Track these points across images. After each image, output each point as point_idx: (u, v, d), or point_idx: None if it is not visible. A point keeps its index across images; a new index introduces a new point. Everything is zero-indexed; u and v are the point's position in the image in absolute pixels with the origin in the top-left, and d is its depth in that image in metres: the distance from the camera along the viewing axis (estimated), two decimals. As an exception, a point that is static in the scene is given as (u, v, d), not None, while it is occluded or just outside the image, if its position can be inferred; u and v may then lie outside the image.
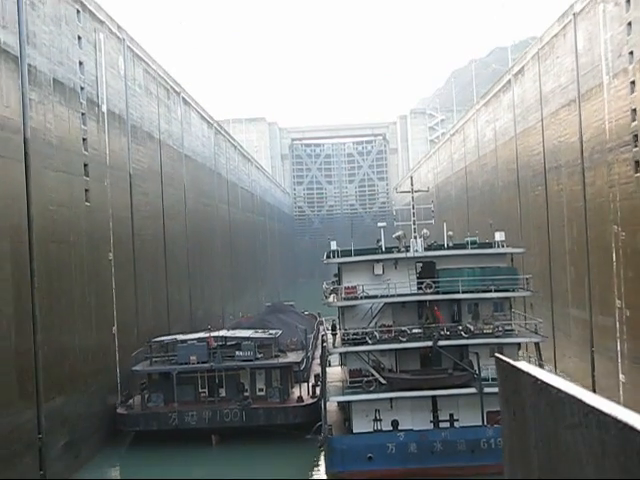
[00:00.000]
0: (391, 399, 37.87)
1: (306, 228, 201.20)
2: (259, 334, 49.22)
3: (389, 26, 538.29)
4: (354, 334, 39.03)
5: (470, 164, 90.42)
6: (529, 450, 4.80)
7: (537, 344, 39.04)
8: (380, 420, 38.03)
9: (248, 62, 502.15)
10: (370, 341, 38.24)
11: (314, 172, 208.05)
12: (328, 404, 39.52)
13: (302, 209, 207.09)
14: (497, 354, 6.34)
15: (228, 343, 48.38)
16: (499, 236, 40.99)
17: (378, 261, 40.17)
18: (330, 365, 44.11)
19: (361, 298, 39.56)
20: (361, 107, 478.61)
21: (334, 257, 40.96)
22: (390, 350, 38.88)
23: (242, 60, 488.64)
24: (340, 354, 41.86)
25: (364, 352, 38.66)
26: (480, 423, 36.98)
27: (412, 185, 43.64)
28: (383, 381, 38.13)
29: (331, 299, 40.77)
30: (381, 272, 39.75)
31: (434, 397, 37.93)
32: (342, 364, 43.09)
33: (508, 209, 67.43)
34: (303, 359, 48.47)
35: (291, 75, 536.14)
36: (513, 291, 39.70)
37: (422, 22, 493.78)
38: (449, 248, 41.64)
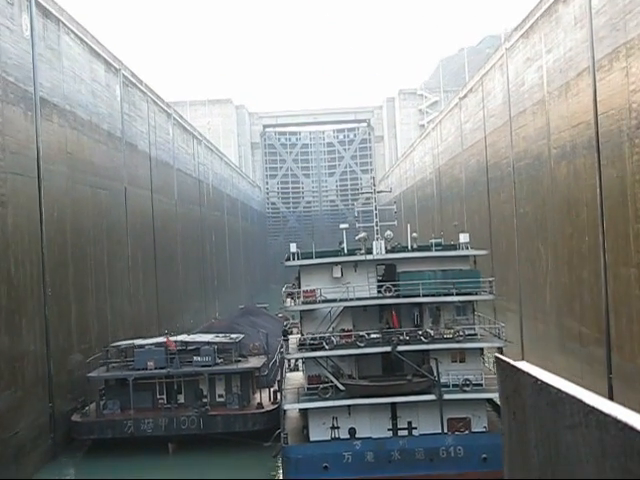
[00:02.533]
0: (349, 406, 36.75)
1: (280, 227, 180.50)
2: (219, 338, 48.05)
3: (374, 8, 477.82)
4: (311, 339, 37.90)
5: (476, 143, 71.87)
6: (529, 450, 4.82)
7: (500, 349, 38.02)
8: (338, 428, 36.89)
9: (212, 39, 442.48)
10: (327, 346, 37.09)
11: (289, 164, 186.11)
12: (289, 411, 38.45)
13: (276, 205, 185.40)
14: (497, 354, 6.17)
15: (189, 348, 47.25)
16: (463, 238, 39.95)
17: (337, 264, 39.02)
18: (298, 369, 43.14)
19: (319, 302, 38.43)
20: (343, 93, 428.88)
21: (294, 259, 39.83)
22: (350, 355, 37.80)
23: (205, 37, 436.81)
24: (301, 359, 40.76)
25: (322, 357, 37.52)
26: (440, 431, 35.98)
27: (374, 186, 42.56)
28: (342, 387, 37.05)
29: (288, 303, 39.65)
30: (340, 275, 38.61)
31: (393, 404, 36.83)
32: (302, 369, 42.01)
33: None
34: (264, 364, 47.24)
35: (263, 54, 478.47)
36: (476, 294, 38.66)
37: (410, 7, 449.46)
38: (412, 250, 40.56)
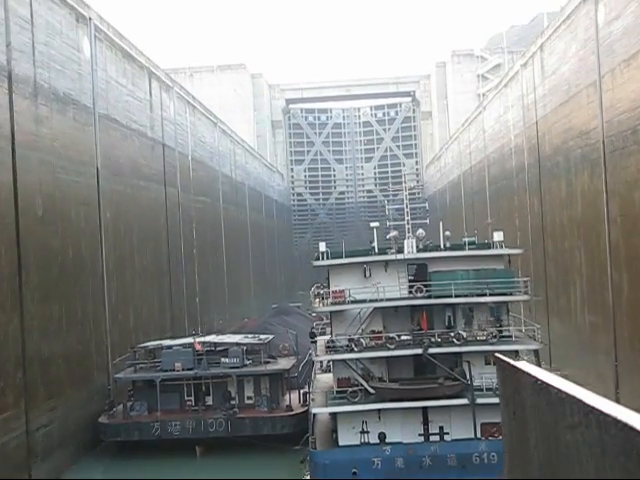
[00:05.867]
0: (379, 410, 35.69)
1: (308, 223, 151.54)
2: (248, 339, 47.21)
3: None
4: (341, 340, 36.96)
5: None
6: (529, 450, 4.81)
7: (536, 351, 36.72)
8: (367, 432, 35.88)
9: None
10: (357, 348, 36.07)
11: (318, 147, 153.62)
12: (318, 414, 37.58)
13: (302, 197, 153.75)
14: (497, 354, 6.15)
15: (217, 349, 46.52)
16: (497, 236, 38.64)
17: (367, 263, 37.98)
18: (330, 371, 42.24)
19: (349, 303, 37.42)
20: (381, 60, 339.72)
21: (323, 259, 38.86)
22: (380, 358, 36.78)
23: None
24: (331, 361, 39.81)
25: (351, 360, 36.55)
26: (472, 436, 34.76)
27: (405, 182, 41.39)
28: (371, 390, 36.03)
29: (317, 304, 38.70)
30: (369, 275, 37.57)
31: (425, 408, 35.68)
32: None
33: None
34: (294, 365, 46.30)
35: (283, 14, 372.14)
36: (510, 295, 37.31)
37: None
38: (444, 249, 39.32)
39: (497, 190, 76.32)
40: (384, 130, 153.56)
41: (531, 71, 59.51)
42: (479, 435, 34.66)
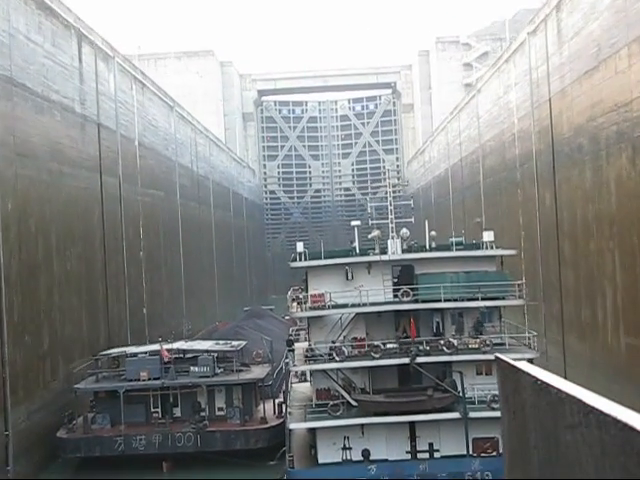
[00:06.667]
0: (362, 425, 32.95)
1: (281, 222, 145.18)
2: (220, 346, 44.24)
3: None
4: (320, 349, 34.20)
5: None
6: (529, 450, 4.82)
7: (530, 360, 34.09)
8: (350, 449, 33.23)
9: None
10: (337, 357, 33.31)
11: (293, 142, 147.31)
12: (291, 425, 34.76)
13: (275, 195, 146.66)
14: (497, 354, 6.13)
15: (187, 356, 43.54)
16: (487, 236, 36.17)
17: (348, 265, 35.24)
18: (307, 380, 39.58)
19: (328, 307, 34.67)
20: (360, 50, 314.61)
21: (300, 260, 36.08)
22: (363, 367, 34.08)
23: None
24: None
25: (331, 370, 33.79)
26: (464, 452, 32.21)
27: (388, 178, 38.66)
28: (354, 403, 33.33)
29: (294, 309, 35.90)
30: (351, 277, 34.85)
31: (412, 423, 33.03)
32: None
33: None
34: (269, 374, 43.45)
35: (257, 2, 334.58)
36: (503, 299, 34.76)
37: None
38: (431, 250, 36.72)
39: (494, 184, 66.47)
40: (363, 124, 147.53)
41: (542, 38, 49.93)
42: (472, 452, 32.31)
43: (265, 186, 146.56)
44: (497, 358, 5.62)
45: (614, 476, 3.49)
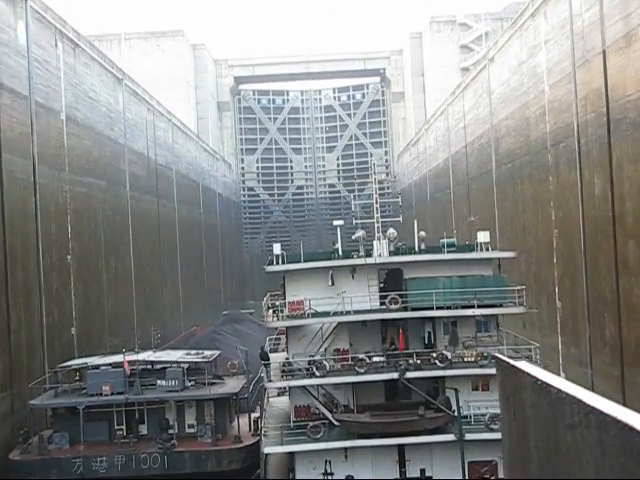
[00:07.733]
0: (346, 449, 29.65)
1: (260, 221, 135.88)
2: (191, 357, 40.69)
3: None
4: (299, 362, 30.93)
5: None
6: (529, 450, 4.79)
7: None
8: (332, 474, 30.04)
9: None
10: (318, 372, 30.04)
11: (273, 134, 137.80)
12: (267, 449, 31.41)
13: (254, 192, 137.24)
14: (496, 354, 6.52)
15: (155, 367, 40.06)
16: (482, 237, 33.01)
17: (330, 269, 32.00)
18: (285, 394, 36.41)
19: (308, 316, 31.40)
20: (346, 33, 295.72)
21: (277, 264, 32.77)
22: (346, 383, 30.85)
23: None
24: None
25: (311, 386, 30.50)
26: (459, 478, 29.01)
27: (374, 173, 35.33)
28: (336, 423, 30.03)
29: (270, 318, 32.56)
30: (333, 283, 31.61)
31: (401, 446, 29.83)
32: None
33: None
34: (244, 386, 40.03)
35: None
36: (501, 306, 31.57)
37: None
38: (421, 252, 33.50)
39: (512, 171, 55.67)
40: (349, 115, 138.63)
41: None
42: (467, 477, 29.17)
43: (243, 182, 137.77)
44: (497, 358, 5.58)
45: (614, 476, 3.47)
